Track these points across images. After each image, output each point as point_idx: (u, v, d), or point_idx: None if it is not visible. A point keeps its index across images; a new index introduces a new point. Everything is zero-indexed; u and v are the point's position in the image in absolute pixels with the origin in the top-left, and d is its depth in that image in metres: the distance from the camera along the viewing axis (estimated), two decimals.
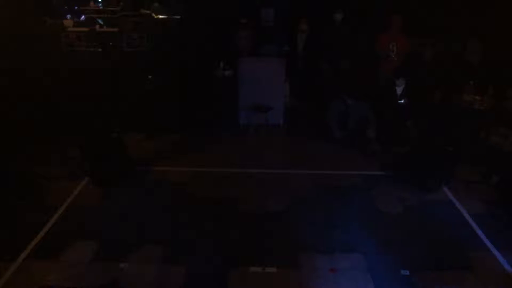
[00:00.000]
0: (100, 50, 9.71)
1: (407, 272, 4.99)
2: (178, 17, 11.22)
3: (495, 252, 5.34)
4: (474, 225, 5.88)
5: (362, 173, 7.26)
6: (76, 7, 11.45)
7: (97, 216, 6.06)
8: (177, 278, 4.88)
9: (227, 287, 4.76)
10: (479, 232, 5.72)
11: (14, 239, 5.49)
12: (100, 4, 11.43)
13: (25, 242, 5.42)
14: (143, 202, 6.40)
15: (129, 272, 4.96)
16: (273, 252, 5.32)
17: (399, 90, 8.25)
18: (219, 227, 5.82)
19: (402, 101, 8.18)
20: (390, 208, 6.28)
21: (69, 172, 7.06)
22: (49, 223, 5.84)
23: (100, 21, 10.84)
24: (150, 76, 9.47)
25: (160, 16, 11.33)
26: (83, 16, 11.24)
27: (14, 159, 7.38)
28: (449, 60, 8.32)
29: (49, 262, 5.11)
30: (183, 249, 5.36)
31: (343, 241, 5.54)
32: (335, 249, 5.36)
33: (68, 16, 10.83)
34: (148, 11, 11.80)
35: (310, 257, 5.22)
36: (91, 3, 11.56)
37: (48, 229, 5.73)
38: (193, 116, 9.21)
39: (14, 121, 7.89)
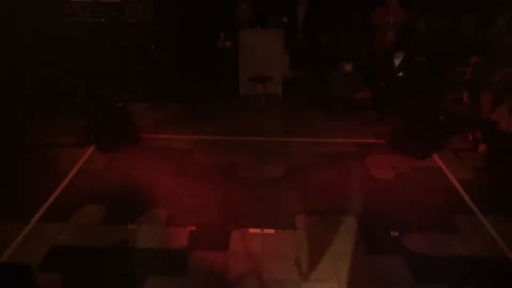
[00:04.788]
0: (103, 20, 9.80)
1: (397, 234, 5.22)
2: None
3: (480, 216, 5.55)
4: (461, 190, 6.10)
5: (357, 141, 7.48)
6: None
7: (105, 181, 6.28)
8: (182, 237, 5.13)
9: (229, 247, 5.01)
10: (466, 197, 5.94)
11: (27, 203, 5.71)
12: None
13: (38, 205, 5.64)
14: (148, 167, 6.60)
15: (137, 232, 5.21)
16: (271, 215, 5.54)
17: (397, 62, 8.44)
18: (220, 191, 6.04)
19: (400, 74, 8.35)
20: (383, 174, 6.51)
21: (76, 140, 7.24)
22: (59, 188, 6.07)
23: None
24: (152, 47, 9.63)
25: None
26: None
27: (26, 128, 7.64)
28: (444, 34, 8.47)
29: (61, 224, 5.33)
30: (187, 211, 5.59)
31: (338, 204, 5.77)
32: (330, 212, 5.59)
33: None
34: None
35: (306, 220, 5.45)
36: None
37: (59, 194, 5.96)
38: (195, 86, 9.41)
39: (23, 92, 8.12)
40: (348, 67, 8.32)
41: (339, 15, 9.48)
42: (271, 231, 5.27)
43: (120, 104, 7.15)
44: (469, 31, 8.18)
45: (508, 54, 7.48)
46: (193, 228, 5.30)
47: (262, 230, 5.27)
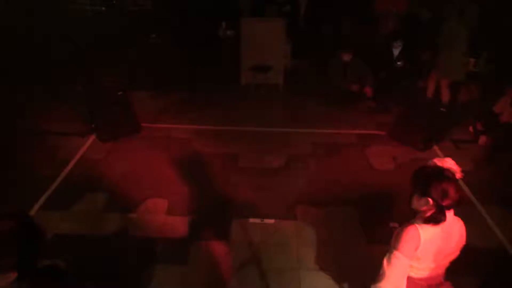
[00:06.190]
0: (103, 8, 9.79)
1: (396, 225, 5.27)
2: None
3: (478, 206, 5.59)
4: (461, 181, 6.12)
5: (358, 132, 7.50)
6: None
7: (105, 170, 6.29)
8: (182, 226, 5.15)
9: (229, 236, 5.05)
10: (466, 188, 5.93)
11: (28, 190, 5.71)
12: None
13: (39, 193, 5.67)
14: (148, 156, 6.62)
15: (138, 221, 5.24)
16: (272, 205, 5.56)
17: (395, 52, 8.43)
18: (220, 180, 6.06)
19: (399, 63, 8.35)
20: (383, 165, 6.53)
21: (78, 129, 7.25)
22: (60, 176, 6.10)
23: None
24: (153, 35, 9.61)
25: None
26: None
27: (28, 116, 7.64)
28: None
29: (62, 212, 5.35)
30: (187, 201, 5.63)
31: (338, 195, 5.79)
32: (330, 203, 5.61)
33: None
34: None
35: (306, 210, 5.47)
36: None
37: (60, 182, 5.99)
38: (195, 75, 9.40)
39: (23, 78, 8.11)
40: (347, 56, 8.28)
41: (342, 4, 9.43)
42: (271, 221, 5.29)
43: (121, 93, 7.14)
44: (472, 22, 8.12)
45: (448, 37, 7.49)
46: (194, 217, 5.33)
47: (262, 220, 5.29)
